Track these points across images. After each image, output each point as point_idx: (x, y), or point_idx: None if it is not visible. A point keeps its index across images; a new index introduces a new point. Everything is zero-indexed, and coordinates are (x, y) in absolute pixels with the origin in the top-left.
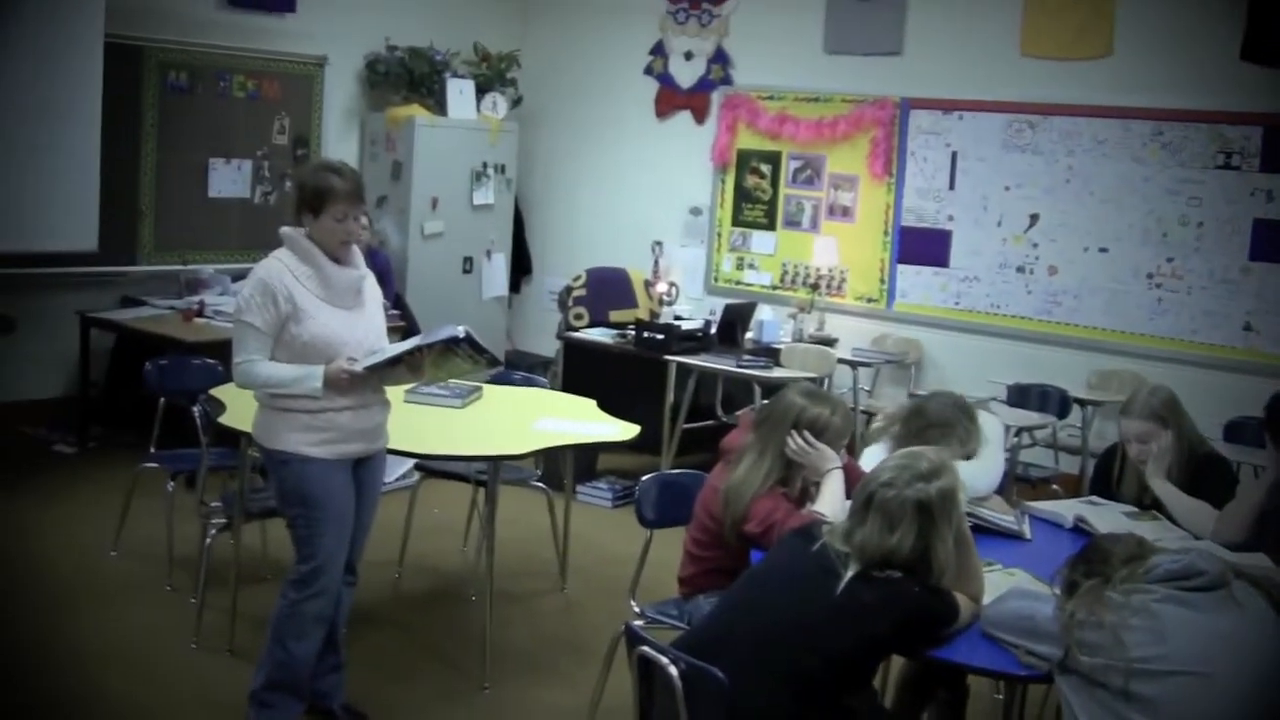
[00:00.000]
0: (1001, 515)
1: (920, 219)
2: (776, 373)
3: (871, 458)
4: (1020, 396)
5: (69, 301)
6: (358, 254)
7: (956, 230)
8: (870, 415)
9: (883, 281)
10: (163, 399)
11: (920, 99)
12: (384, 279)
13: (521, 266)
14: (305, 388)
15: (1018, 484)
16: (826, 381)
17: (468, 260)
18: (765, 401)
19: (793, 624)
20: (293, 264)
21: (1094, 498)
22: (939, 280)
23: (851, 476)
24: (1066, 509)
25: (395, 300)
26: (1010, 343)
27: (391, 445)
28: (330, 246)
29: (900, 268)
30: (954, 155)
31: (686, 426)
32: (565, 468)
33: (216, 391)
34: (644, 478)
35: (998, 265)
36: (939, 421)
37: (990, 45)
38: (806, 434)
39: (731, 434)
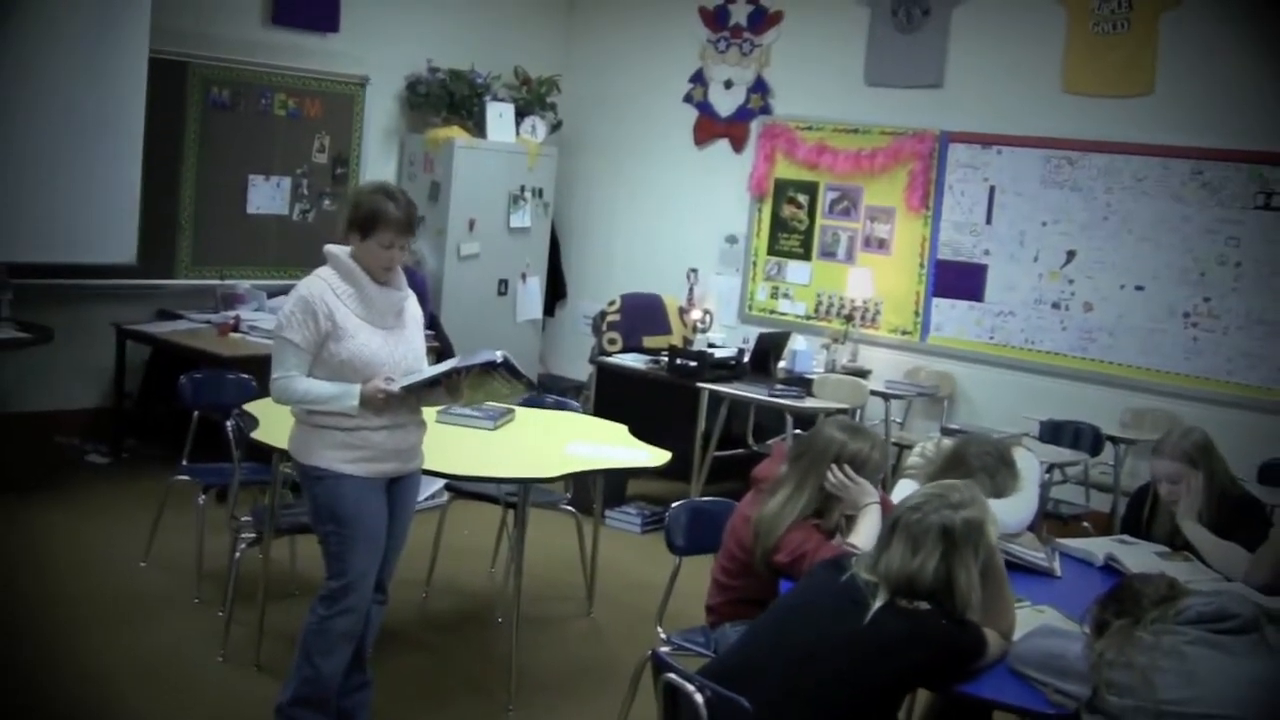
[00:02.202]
0: (1032, 552)
1: (956, 253)
2: (809, 403)
3: (904, 493)
4: (1053, 433)
5: (106, 313)
6: (401, 275)
7: (992, 264)
8: (901, 448)
9: (917, 314)
10: (196, 412)
11: (959, 132)
12: (420, 299)
13: (556, 290)
14: (341, 405)
15: (1048, 520)
16: (859, 413)
17: (503, 283)
18: (800, 433)
19: (820, 654)
20: (335, 282)
21: (1125, 536)
22: (974, 314)
23: (887, 511)
24: (1097, 547)
25: (430, 321)
26: (1044, 378)
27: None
28: (372, 269)
29: (935, 301)
30: (992, 190)
31: (717, 454)
32: (595, 492)
33: (250, 406)
34: (674, 504)
35: (1033, 300)
36: (980, 471)
37: (1031, 80)
38: (847, 468)
39: (764, 463)
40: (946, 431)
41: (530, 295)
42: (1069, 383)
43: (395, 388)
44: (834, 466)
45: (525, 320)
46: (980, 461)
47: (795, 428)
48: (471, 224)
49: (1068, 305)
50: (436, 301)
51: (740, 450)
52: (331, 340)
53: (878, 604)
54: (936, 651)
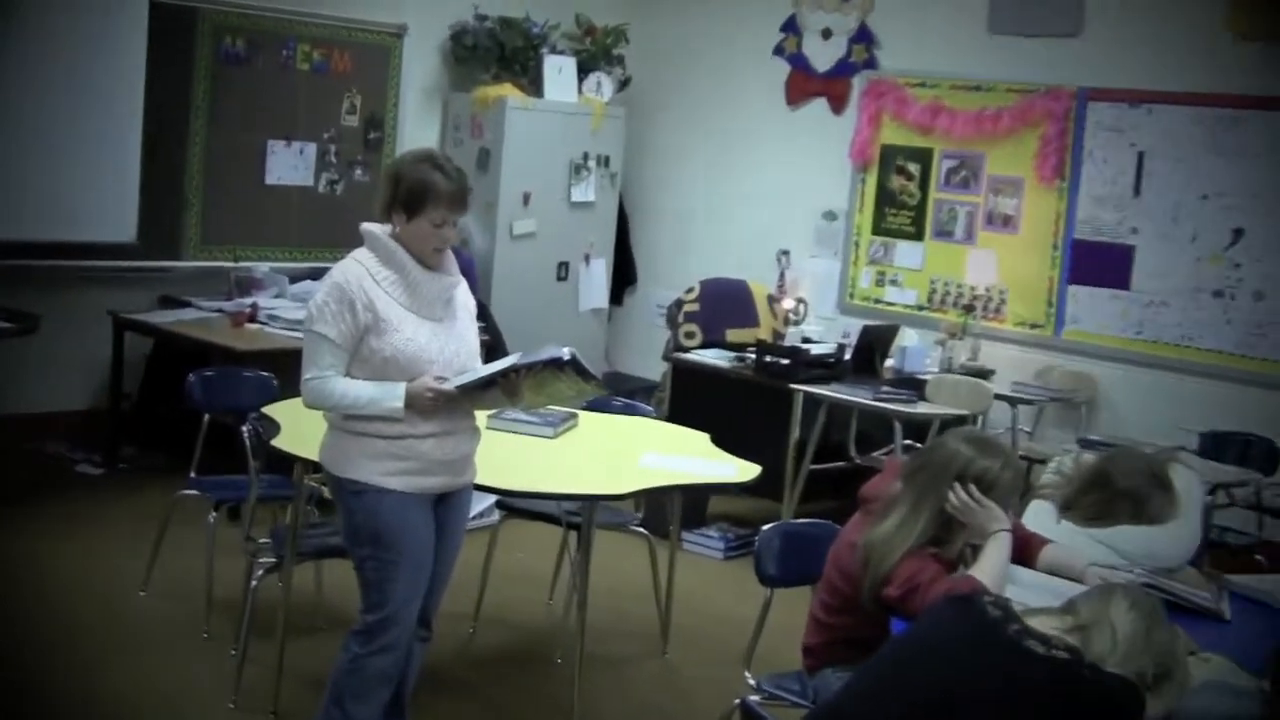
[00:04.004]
0: (1195, 591)
1: (1097, 232)
2: (921, 408)
3: (1037, 517)
4: (1216, 447)
5: (101, 300)
6: (451, 258)
7: (1141, 246)
8: (1031, 462)
9: (1050, 304)
10: (206, 416)
11: (1101, 89)
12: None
13: (625, 275)
14: (384, 408)
15: (1213, 552)
16: (980, 420)
17: (563, 266)
18: (912, 444)
19: (943, 708)
20: (374, 267)
21: None
22: (1118, 305)
23: (1016, 542)
24: (1274, 584)
25: (479, 310)
26: (1204, 381)
27: None
28: (420, 252)
29: (1071, 289)
30: (1140, 156)
31: (814, 468)
32: (671, 511)
33: (270, 409)
34: (764, 527)
35: (1190, 289)
36: (1128, 493)
37: (1189, 24)
38: (973, 489)
39: (874, 480)
40: (1085, 444)
41: (594, 281)
42: (1235, 386)
43: (448, 387)
44: (957, 486)
45: (588, 310)
46: (1128, 482)
47: (905, 438)
48: (526, 198)
49: (1233, 294)
50: (485, 288)
51: (841, 463)
52: (372, 334)
53: (1034, 650)
54: (1089, 711)
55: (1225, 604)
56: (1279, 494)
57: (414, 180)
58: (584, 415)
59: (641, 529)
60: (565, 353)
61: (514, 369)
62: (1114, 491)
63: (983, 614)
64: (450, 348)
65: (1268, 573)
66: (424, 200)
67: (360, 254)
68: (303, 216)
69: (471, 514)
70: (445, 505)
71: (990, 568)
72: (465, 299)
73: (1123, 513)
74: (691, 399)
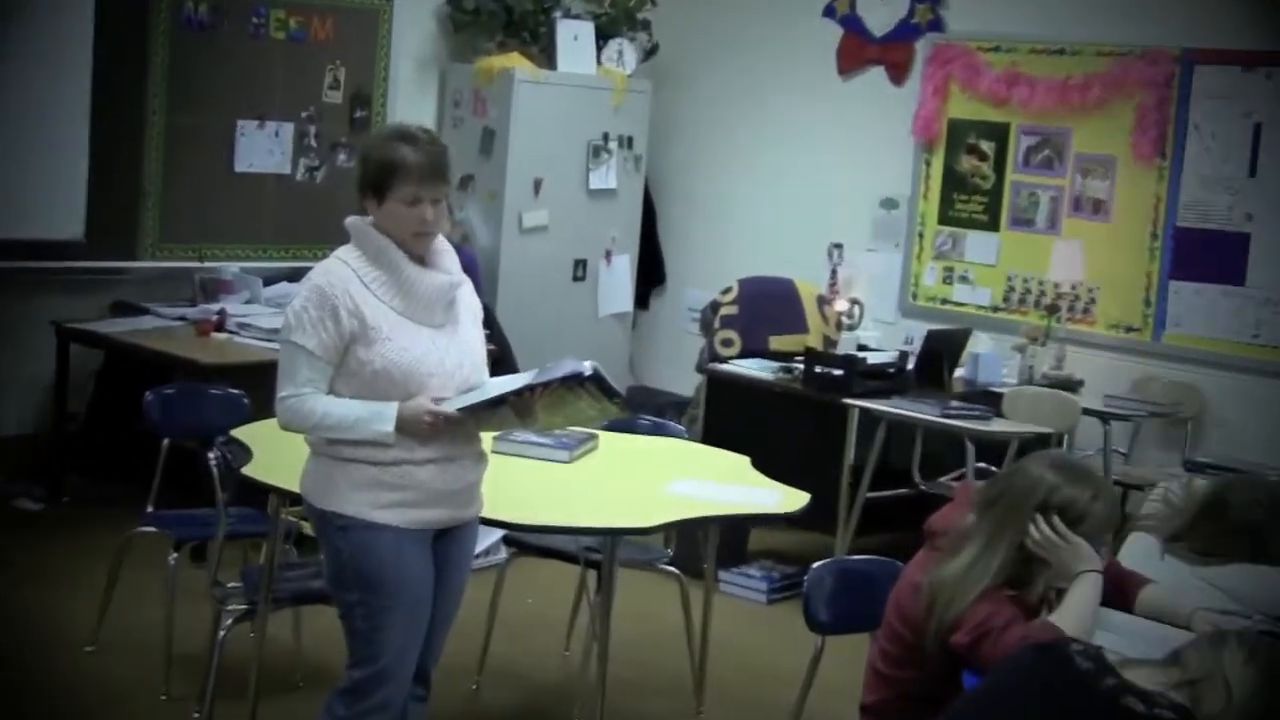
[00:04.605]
0: None
1: (1205, 218)
2: (997, 425)
3: (1137, 553)
4: None
5: (42, 308)
6: (450, 252)
7: (1258, 234)
8: (1127, 488)
9: (1148, 304)
10: (166, 440)
11: (1209, 50)
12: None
13: (652, 274)
14: (372, 431)
15: None
16: (1066, 439)
17: (580, 264)
18: (987, 468)
19: None
20: (361, 266)
21: None
22: (1230, 303)
23: (1111, 581)
24: None
25: (485, 315)
26: None
27: None
28: (405, 241)
29: (1173, 285)
30: (1257, 128)
31: (871, 496)
32: (706, 547)
33: (240, 432)
34: (815, 565)
35: None
36: (1247, 526)
37: None
38: (1057, 521)
39: (943, 510)
40: (1193, 467)
41: (617, 281)
42: None
43: (450, 409)
44: (1039, 518)
45: (610, 314)
46: (1247, 513)
47: (978, 460)
48: (538, 185)
49: None
50: (490, 290)
51: (904, 490)
52: (360, 345)
53: (1133, 708)
54: None
55: None
56: None
57: (379, 158)
58: (605, 436)
59: (672, 568)
60: (586, 367)
61: (529, 388)
62: (1230, 524)
63: (1070, 665)
64: (452, 358)
65: None
66: (390, 177)
67: (345, 252)
68: (278, 209)
69: (476, 551)
70: (446, 542)
71: (1076, 612)
72: (470, 301)
73: (1240, 549)
74: (729, 416)
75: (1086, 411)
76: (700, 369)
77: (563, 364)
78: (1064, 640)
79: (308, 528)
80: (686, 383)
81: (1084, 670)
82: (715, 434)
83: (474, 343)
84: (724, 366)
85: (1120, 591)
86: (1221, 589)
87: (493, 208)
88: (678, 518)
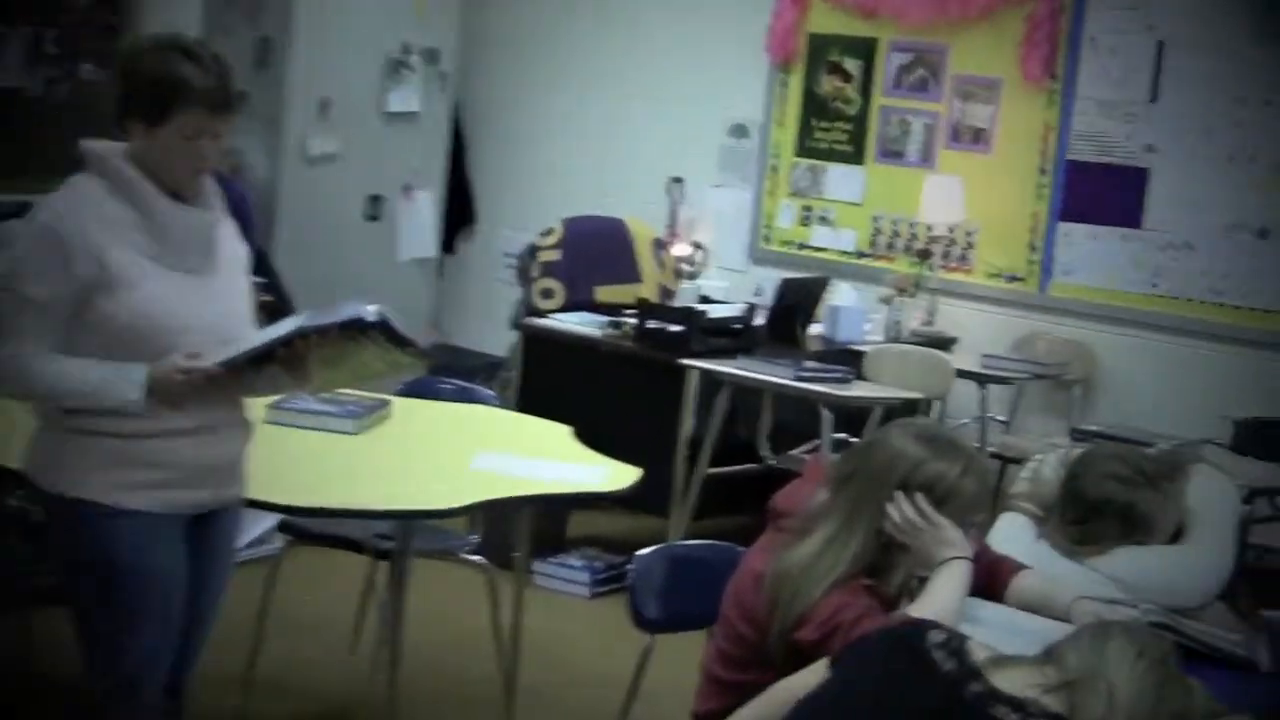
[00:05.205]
0: (1222, 633)
1: (1101, 150)
2: (858, 389)
3: (1009, 536)
4: (1257, 439)
5: None
6: (213, 189)
7: (1159, 169)
8: (1006, 462)
9: (1034, 249)
10: None
11: None
12: (242, 226)
13: (460, 214)
14: (116, 397)
15: (1252, 581)
16: (939, 406)
17: (375, 201)
18: (847, 439)
19: None
20: (102, 200)
21: None
22: (1127, 249)
23: (981, 568)
24: None
25: (258, 260)
26: (1241, 351)
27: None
28: (170, 176)
29: (1063, 228)
30: (1159, 47)
31: (712, 472)
32: (518, 533)
33: None
34: (642, 551)
35: (1225, 226)
36: (1108, 505)
37: None
38: (921, 501)
39: (790, 487)
40: (1081, 435)
41: (419, 221)
42: None
43: (207, 366)
44: (900, 497)
45: (411, 259)
46: (1100, 490)
47: (836, 430)
48: (324, 106)
49: None
50: (267, 230)
51: (750, 466)
52: (100, 293)
53: (1002, 717)
54: None
55: (1262, 649)
56: None
57: (156, 74)
58: (400, 402)
59: (478, 557)
60: (370, 312)
61: (300, 334)
62: (1090, 504)
63: (929, 666)
64: (212, 310)
65: None
66: (171, 101)
67: (81, 182)
68: (8, 131)
69: (244, 541)
70: (205, 529)
71: (938, 604)
72: (233, 244)
73: (1109, 530)
74: (549, 380)
75: (961, 373)
76: (516, 324)
77: (341, 308)
78: (921, 627)
79: (37, 514)
80: (500, 340)
81: (946, 674)
82: (532, 400)
83: (237, 292)
84: (543, 321)
85: (991, 579)
86: (1103, 574)
87: (270, 133)
88: (484, 498)
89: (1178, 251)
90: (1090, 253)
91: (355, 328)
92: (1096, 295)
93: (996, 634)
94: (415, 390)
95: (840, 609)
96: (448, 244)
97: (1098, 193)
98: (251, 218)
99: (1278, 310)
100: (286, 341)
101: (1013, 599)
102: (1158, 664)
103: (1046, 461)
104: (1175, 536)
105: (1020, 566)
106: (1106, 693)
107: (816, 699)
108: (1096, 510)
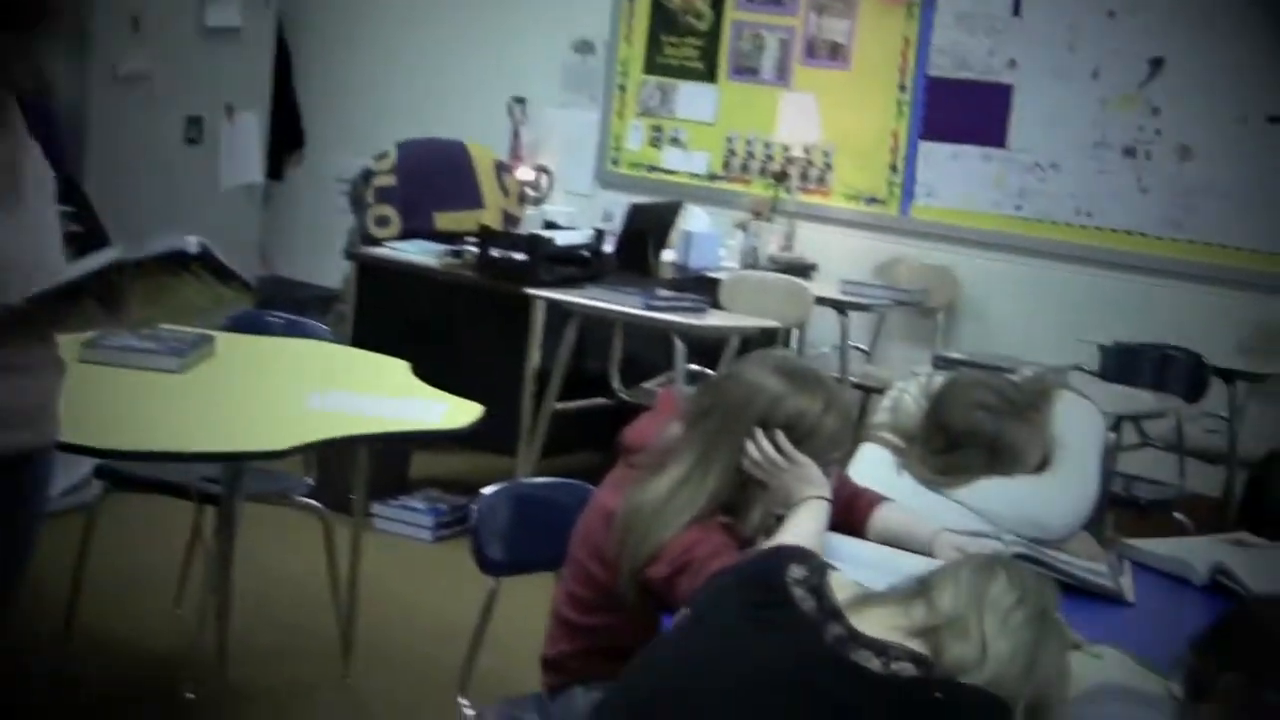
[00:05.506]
0: (1086, 564)
1: (961, 65)
2: (713, 319)
3: (870, 467)
4: (1124, 365)
5: None
6: (13, 110)
7: (1022, 85)
8: (868, 392)
9: (895, 170)
10: None
11: None
12: (48, 151)
13: (288, 137)
14: None
15: (1117, 510)
16: (797, 335)
17: (194, 123)
18: (701, 371)
19: None
20: None
21: (1246, 535)
22: (989, 170)
23: (841, 501)
24: (1198, 553)
25: (66, 188)
26: (1108, 274)
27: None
28: None
29: (924, 147)
30: None
31: (561, 407)
32: (356, 475)
33: None
34: (487, 490)
35: (1090, 145)
36: (974, 435)
37: None
38: (781, 438)
39: (642, 421)
40: (944, 363)
41: (243, 144)
42: (1151, 281)
43: (13, 301)
44: (759, 434)
45: (235, 186)
46: (965, 419)
47: (690, 361)
48: (136, 21)
49: (1149, 152)
50: (76, 156)
51: (600, 400)
52: None
53: (866, 667)
54: None
55: (1128, 580)
56: (1210, 429)
57: None
58: (225, 338)
59: (313, 501)
60: (191, 243)
61: (115, 267)
62: (955, 434)
63: (787, 604)
64: (16, 243)
65: (1192, 536)
66: None
67: None
68: None
69: (57, 490)
70: (11, 476)
71: (794, 540)
72: (38, 171)
73: (974, 462)
74: (386, 313)
75: (820, 300)
76: (349, 254)
77: (160, 240)
78: (781, 560)
79: None
80: (333, 272)
81: (803, 614)
82: (368, 334)
83: (43, 222)
84: (379, 250)
85: (850, 512)
86: (966, 506)
87: (76, 51)
88: (318, 438)
89: (1043, 172)
90: (952, 174)
91: (175, 260)
92: (959, 218)
93: (856, 571)
94: (242, 325)
95: (692, 545)
96: (274, 169)
97: (959, 111)
98: (59, 139)
99: (1145, 232)
100: (100, 275)
101: (873, 533)
102: (1037, 618)
103: (908, 391)
104: (1040, 466)
105: (881, 499)
106: (979, 643)
107: (668, 640)
108: (962, 441)
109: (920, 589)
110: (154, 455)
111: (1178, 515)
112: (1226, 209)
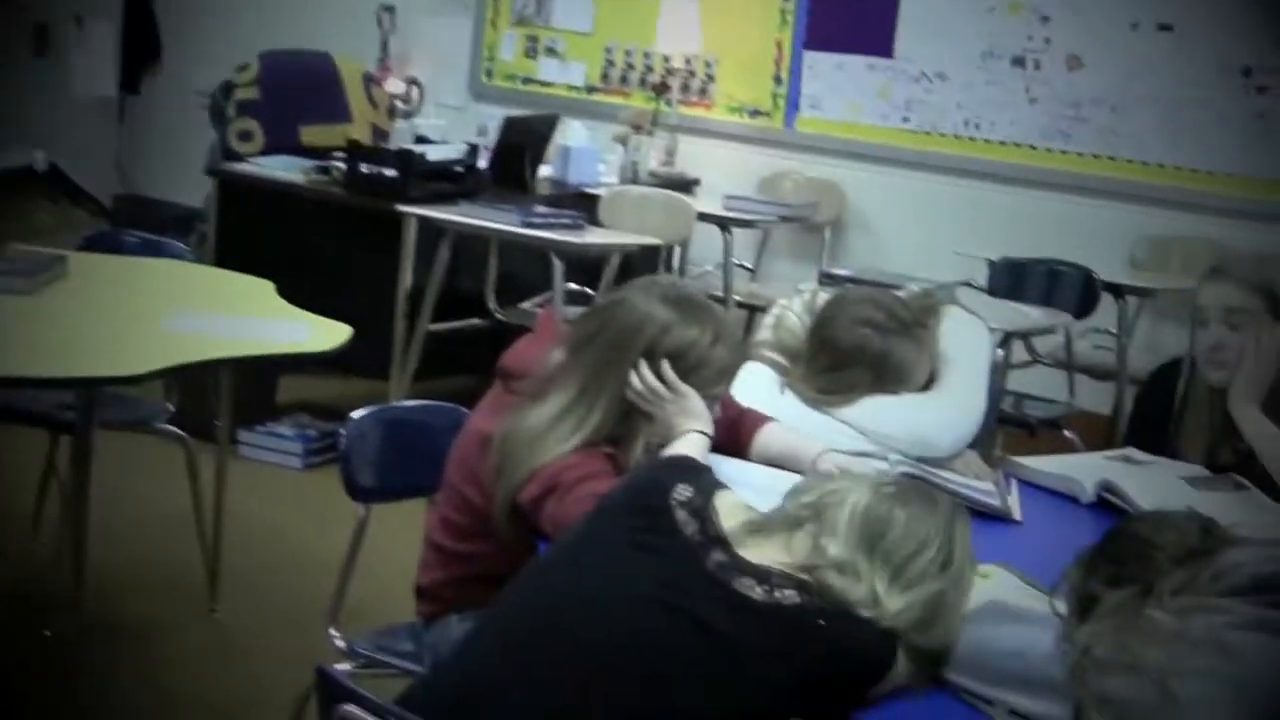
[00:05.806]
0: (975, 482)
1: None
2: (593, 236)
3: (753, 387)
4: (1012, 280)
5: None
6: None
7: None
8: (753, 311)
9: (779, 81)
10: None
11: None
12: None
13: (143, 47)
14: None
15: (1005, 428)
16: (679, 252)
17: (42, 32)
18: (580, 291)
19: (616, 659)
20: None
21: (1133, 451)
22: (875, 80)
23: (724, 422)
24: (1085, 470)
25: None
26: (996, 188)
27: None
28: None
29: (809, 57)
30: None
31: (434, 329)
32: (221, 400)
33: None
34: (356, 414)
35: (978, 55)
36: (860, 354)
37: None
38: (667, 369)
39: (521, 345)
40: (829, 281)
41: (95, 55)
42: (1040, 195)
43: None
44: (643, 364)
45: (88, 99)
46: (855, 337)
47: (569, 280)
48: None
49: (1038, 61)
50: None
51: (476, 321)
52: None
53: (748, 595)
54: (826, 661)
55: (1015, 498)
56: (1100, 345)
57: None
58: (78, 258)
59: (174, 428)
60: (40, 160)
61: None
62: (842, 352)
63: (670, 527)
64: None
65: (1079, 454)
66: None
67: None
68: None
69: None
70: None
71: None
72: None
73: (861, 380)
74: (249, 231)
75: (703, 217)
76: (211, 170)
77: (7, 154)
78: (669, 479)
79: None
80: (194, 189)
81: (686, 539)
82: (231, 254)
83: None
84: (242, 166)
85: (734, 434)
86: (851, 425)
87: None
88: (178, 362)
89: (930, 82)
90: (838, 84)
91: (20, 178)
92: (845, 130)
93: (743, 495)
94: (96, 245)
95: (565, 469)
96: (130, 82)
97: (844, 19)
98: None
99: (1033, 144)
100: None
101: (757, 454)
102: (935, 568)
103: (792, 308)
104: (928, 384)
105: (765, 420)
106: (870, 590)
107: (543, 564)
108: (848, 359)
109: (809, 512)
110: (2, 381)
111: (1067, 433)
112: (1116, 120)
